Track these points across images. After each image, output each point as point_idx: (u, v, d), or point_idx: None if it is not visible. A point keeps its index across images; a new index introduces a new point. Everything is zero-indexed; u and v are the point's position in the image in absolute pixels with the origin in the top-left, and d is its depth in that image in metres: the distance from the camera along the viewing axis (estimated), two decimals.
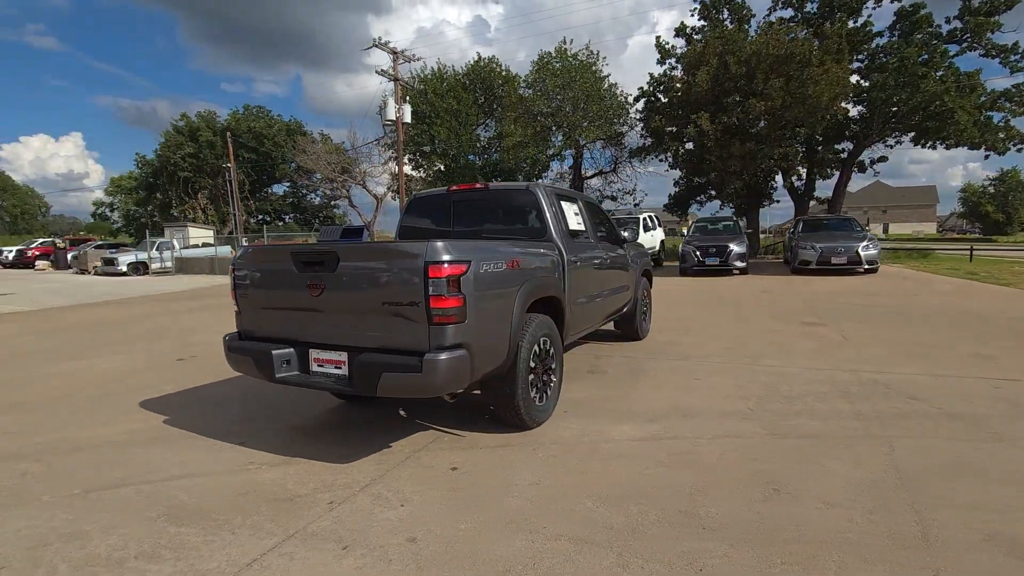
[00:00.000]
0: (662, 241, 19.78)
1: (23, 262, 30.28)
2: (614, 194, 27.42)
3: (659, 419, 3.89)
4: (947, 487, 2.74)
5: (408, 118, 26.52)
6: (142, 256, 25.65)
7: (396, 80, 26.44)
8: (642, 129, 22.59)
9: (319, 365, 3.21)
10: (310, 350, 3.24)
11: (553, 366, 3.95)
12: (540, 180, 27.43)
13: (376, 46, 25.92)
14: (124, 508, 2.73)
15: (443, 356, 2.80)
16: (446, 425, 3.83)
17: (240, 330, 3.64)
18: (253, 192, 36.73)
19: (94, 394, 4.85)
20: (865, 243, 13.63)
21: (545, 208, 4.35)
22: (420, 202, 5.03)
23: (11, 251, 31.34)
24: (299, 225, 39.99)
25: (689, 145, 19.74)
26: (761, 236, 28.42)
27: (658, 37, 22.68)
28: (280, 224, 39.63)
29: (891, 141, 21.46)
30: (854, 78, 19.55)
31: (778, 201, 26.20)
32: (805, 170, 22.47)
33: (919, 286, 11.55)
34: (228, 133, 31.07)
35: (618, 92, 24.73)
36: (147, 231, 26.95)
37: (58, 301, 12.94)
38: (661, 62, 22.81)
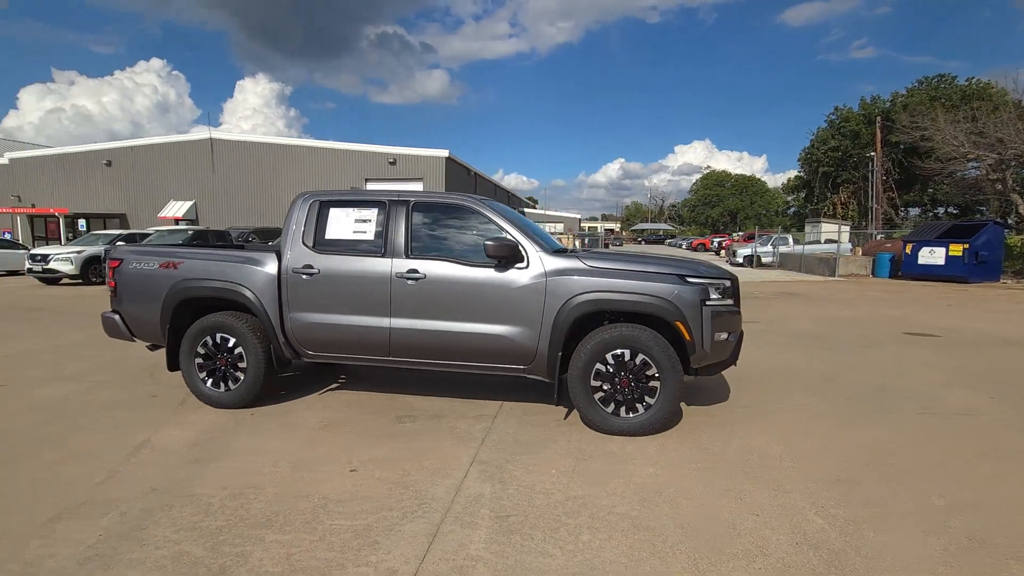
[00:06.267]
0: None
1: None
2: None
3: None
4: None
5: None
6: (761, 249, 28.25)
7: None
8: None
9: None
10: None
11: (240, 365, 4.39)
12: None
13: None
14: None
15: (104, 314, 4.68)
16: None
17: None
18: (904, 182, 30.58)
19: None
20: None
21: (291, 215, 4.43)
22: None
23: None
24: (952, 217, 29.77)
25: None
26: None
27: None
28: (928, 216, 30.93)
29: None
30: None
31: None
32: None
33: None
34: (878, 119, 27.66)
35: None
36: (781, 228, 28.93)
37: None
38: None
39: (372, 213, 4.34)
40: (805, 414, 4.38)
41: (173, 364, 4.57)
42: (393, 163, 27.38)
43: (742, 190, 71.36)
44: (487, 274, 4.02)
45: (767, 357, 6.44)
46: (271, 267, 4.38)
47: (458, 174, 30.30)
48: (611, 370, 3.85)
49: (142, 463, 3.40)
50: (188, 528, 2.63)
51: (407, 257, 4.17)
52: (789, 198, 44.25)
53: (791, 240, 27.65)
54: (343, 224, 4.37)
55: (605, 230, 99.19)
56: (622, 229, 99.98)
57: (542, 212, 57.46)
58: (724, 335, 3.90)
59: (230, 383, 4.45)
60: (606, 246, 44.75)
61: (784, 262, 25.79)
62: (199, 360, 4.47)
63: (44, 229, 31.20)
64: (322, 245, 4.35)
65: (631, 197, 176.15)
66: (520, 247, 3.99)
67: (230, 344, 4.41)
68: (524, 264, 3.99)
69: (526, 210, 52.93)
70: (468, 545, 2.50)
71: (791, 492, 3.02)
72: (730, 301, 3.98)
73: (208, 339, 4.43)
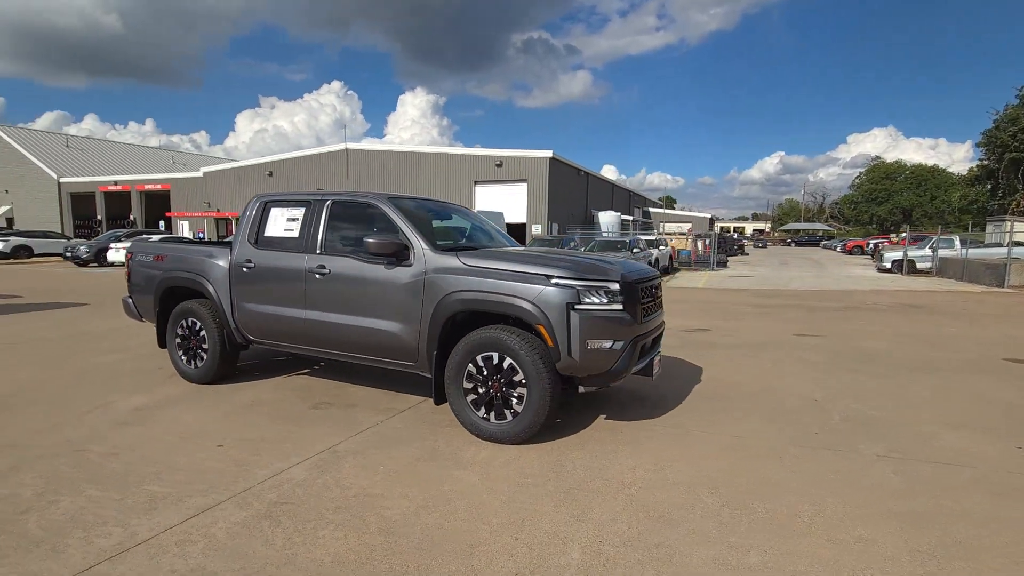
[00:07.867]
0: None
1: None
2: None
3: None
4: None
5: None
6: (915, 254, 23.89)
7: None
8: None
9: None
10: None
11: (205, 347, 5.05)
12: None
13: None
14: None
15: (123, 298, 5.66)
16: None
17: None
18: None
19: None
20: None
21: (244, 215, 4.94)
22: None
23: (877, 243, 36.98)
24: None
25: None
26: None
27: None
28: None
29: None
30: None
31: None
32: None
33: None
34: None
35: None
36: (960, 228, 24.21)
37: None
38: None
39: (300, 212, 4.69)
40: (727, 442, 3.77)
41: (161, 342, 5.39)
42: (499, 165, 28.24)
43: (919, 183, 60.26)
44: (378, 270, 4.13)
45: (773, 375, 5.58)
46: (224, 261, 4.95)
47: (565, 174, 30.23)
48: (484, 373, 3.72)
49: (82, 421, 4.11)
50: (46, 475, 3.17)
51: (319, 253, 4.44)
52: (974, 189, 36.00)
53: (957, 242, 22.88)
54: (278, 223, 4.78)
55: (754, 231, 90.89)
56: (772, 229, 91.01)
57: (667, 212, 54.78)
58: (605, 343, 3.54)
59: (197, 362, 5.13)
60: (740, 248, 41.03)
61: (944, 268, 21.54)
62: (178, 340, 5.22)
63: (226, 230, 37.84)
64: (261, 242, 4.80)
65: (790, 194, 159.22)
66: (406, 245, 4.02)
67: (197, 327, 5.08)
68: (410, 261, 4.02)
69: (651, 210, 50.78)
70: (217, 523, 2.67)
71: (587, 522, 2.68)
72: (618, 306, 3.59)
73: (183, 322, 5.16)
